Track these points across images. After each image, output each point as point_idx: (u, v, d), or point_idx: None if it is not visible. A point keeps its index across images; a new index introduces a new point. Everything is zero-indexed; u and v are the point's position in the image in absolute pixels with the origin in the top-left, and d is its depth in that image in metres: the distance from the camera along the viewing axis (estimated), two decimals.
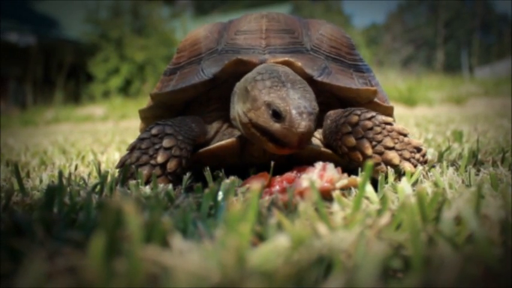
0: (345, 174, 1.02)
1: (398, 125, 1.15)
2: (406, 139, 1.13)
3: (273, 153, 1.17)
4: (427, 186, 0.95)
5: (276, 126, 1.03)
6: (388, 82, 9.97)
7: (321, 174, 0.99)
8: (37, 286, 0.42)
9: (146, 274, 0.45)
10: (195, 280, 0.45)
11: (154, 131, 1.16)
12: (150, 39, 13.75)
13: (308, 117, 1.00)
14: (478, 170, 1.21)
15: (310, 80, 1.20)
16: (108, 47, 13.54)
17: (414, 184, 1.06)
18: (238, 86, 1.17)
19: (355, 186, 0.99)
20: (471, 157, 1.36)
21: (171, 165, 1.12)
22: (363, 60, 1.40)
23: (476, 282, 0.42)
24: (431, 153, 1.60)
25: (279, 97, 1.03)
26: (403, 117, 4.70)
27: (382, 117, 1.14)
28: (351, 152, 1.14)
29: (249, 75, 1.14)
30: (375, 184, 0.99)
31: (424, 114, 5.91)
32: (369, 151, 1.11)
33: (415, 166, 1.12)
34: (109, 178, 1.11)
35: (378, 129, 1.12)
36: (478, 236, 0.56)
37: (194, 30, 1.43)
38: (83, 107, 11.22)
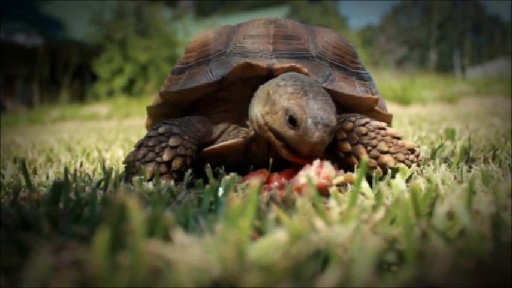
0: (341, 171, 1.02)
1: (392, 129, 1.15)
2: (400, 142, 1.13)
3: (275, 154, 1.16)
4: (421, 183, 0.95)
5: (290, 132, 1.02)
6: (383, 82, 9.95)
7: (318, 171, 0.99)
8: (43, 279, 0.42)
9: (149, 267, 0.45)
10: (196, 273, 0.45)
11: (161, 129, 1.16)
12: (152, 40, 13.72)
13: (323, 129, 0.98)
14: (470, 167, 1.21)
15: None
16: (112, 48, 13.52)
17: (408, 180, 1.07)
18: (261, 88, 1.16)
19: (351, 183, 0.99)
20: (463, 154, 1.36)
21: (176, 163, 1.12)
22: (364, 68, 1.40)
23: (468, 275, 0.42)
24: (424, 151, 1.60)
25: (297, 104, 1.02)
26: (398, 116, 4.70)
27: (376, 123, 1.14)
28: (346, 158, 1.14)
29: (274, 80, 1.14)
30: (370, 180, 0.99)
31: (417, 113, 5.92)
32: (364, 156, 1.10)
33: (409, 167, 1.12)
34: (113, 174, 1.11)
35: (373, 134, 1.12)
36: (470, 230, 0.56)
37: (204, 31, 1.43)
38: (87, 105, 11.19)
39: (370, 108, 1.28)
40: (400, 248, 0.57)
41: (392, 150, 1.12)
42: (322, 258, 0.52)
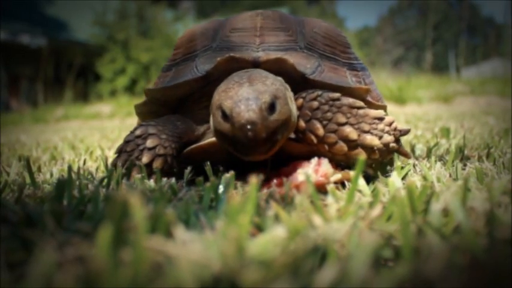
0: (339, 169, 1.02)
1: (349, 99, 1.06)
2: (360, 111, 1.04)
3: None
4: (416, 180, 0.95)
5: (226, 126, 0.95)
6: (380, 82, 9.92)
7: (316, 169, 1.00)
8: (47, 274, 0.41)
9: (151, 263, 0.45)
10: (197, 269, 0.45)
11: (137, 132, 1.14)
12: (154, 41, 13.71)
13: (247, 108, 0.90)
14: (465, 165, 1.21)
15: (302, 78, 1.15)
16: (115, 49, 13.51)
17: (404, 178, 1.06)
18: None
19: (348, 180, 0.99)
20: (458, 152, 1.36)
21: (157, 164, 1.10)
22: (358, 58, 1.33)
23: (463, 271, 0.42)
24: (420, 149, 1.60)
25: (227, 97, 0.96)
26: (394, 115, 4.67)
27: (328, 94, 1.06)
28: (304, 136, 1.07)
29: None
30: (367, 178, 0.99)
31: (413, 112, 5.91)
32: (320, 131, 1.03)
33: (381, 138, 1.04)
34: (115, 172, 1.11)
35: (326, 107, 1.04)
36: (465, 227, 0.56)
37: (191, 27, 1.38)
38: (91, 105, 11.17)
39: (361, 99, 1.18)
40: (396, 244, 0.57)
41: (352, 121, 1.03)
42: (320, 254, 0.52)
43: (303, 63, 1.18)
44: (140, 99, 1.37)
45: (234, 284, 0.44)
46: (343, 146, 1.02)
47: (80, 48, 14.13)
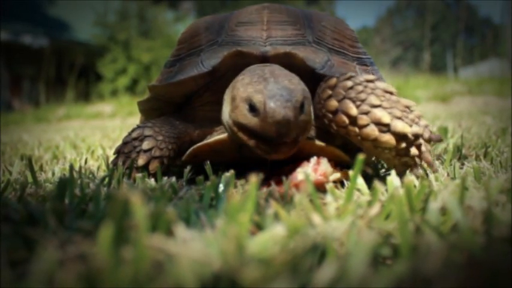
0: (338, 168, 1.02)
1: (382, 83, 1.01)
2: (393, 97, 0.99)
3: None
4: (414, 179, 0.95)
5: (253, 120, 0.92)
6: None
7: (315, 168, 0.99)
8: (49, 272, 0.41)
9: (152, 261, 0.45)
10: (197, 267, 0.45)
11: (134, 134, 1.13)
12: (155, 41, 13.71)
13: (283, 105, 0.87)
14: (462, 164, 1.21)
15: (312, 73, 1.11)
16: (116, 49, 13.51)
17: (402, 177, 1.06)
18: (227, 91, 1.07)
19: (347, 179, 0.99)
20: (456, 151, 1.36)
21: (152, 166, 1.09)
22: (366, 53, 1.29)
23: (460, 269, 0.42)
24: None
25: (255, 91, 0.91)
26: None
27: (363, 76, 1.01)
28: (335, 117, 1.00)
29: (235, 78, 1.05)
30: (365, 177, 0.99)
31: None
32: (353, 111, 0.97)
33: (411, 126, 0.97)
34: (116, 171, 1.11)
35: (360, 87, 0.98)
36: (462, 225, 0.56)
37: (195, 21, 1.33)
38: (92, 104, 11.16)
39: None
40: (394, 242, 0.57)
41: (385, 104, 0.97)
42: (319, 252, 0.52)
43: (312, 57, 1.13)
44: (141, 99, 1.36)
45: (234, 282, 0.44)
46: (374, 130, 0.96)
47: (81, 48, 14.13)
